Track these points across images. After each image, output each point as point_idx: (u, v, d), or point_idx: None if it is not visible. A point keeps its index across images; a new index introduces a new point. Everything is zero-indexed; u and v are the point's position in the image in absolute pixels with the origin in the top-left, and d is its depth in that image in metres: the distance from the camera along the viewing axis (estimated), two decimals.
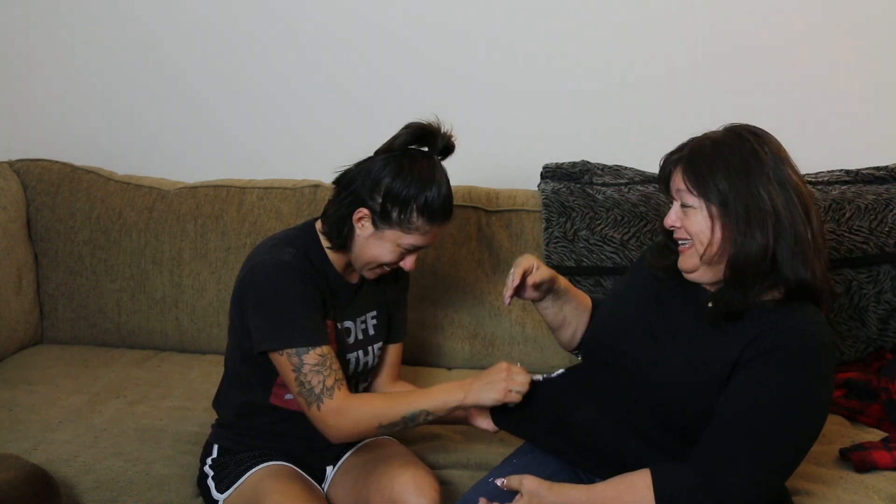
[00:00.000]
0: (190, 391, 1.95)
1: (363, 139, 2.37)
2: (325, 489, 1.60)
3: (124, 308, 2.19)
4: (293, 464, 1.57)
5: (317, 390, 1.40)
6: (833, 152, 2.24)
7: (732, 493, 1.25)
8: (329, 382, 1.40)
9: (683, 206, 1.35)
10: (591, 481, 1.40)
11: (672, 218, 1.37)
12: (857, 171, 2.17)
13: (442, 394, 1.42)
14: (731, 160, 1.30)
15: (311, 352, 1.40)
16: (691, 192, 1.33)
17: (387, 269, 1.53)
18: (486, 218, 2.18)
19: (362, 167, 1.50)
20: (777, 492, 1.40)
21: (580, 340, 1.57)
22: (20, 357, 2.12)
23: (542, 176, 2.28)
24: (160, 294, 2.18)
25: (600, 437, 1.40)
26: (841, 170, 2.19)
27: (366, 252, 1.49)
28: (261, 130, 2.41)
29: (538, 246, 2.14)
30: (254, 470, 1.52)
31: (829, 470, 1.65)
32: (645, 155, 2.33)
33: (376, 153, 1.51)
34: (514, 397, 1.39)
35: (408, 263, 1.52)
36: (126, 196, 2.23)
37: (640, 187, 2.18)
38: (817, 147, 2.26)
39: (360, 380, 1.63)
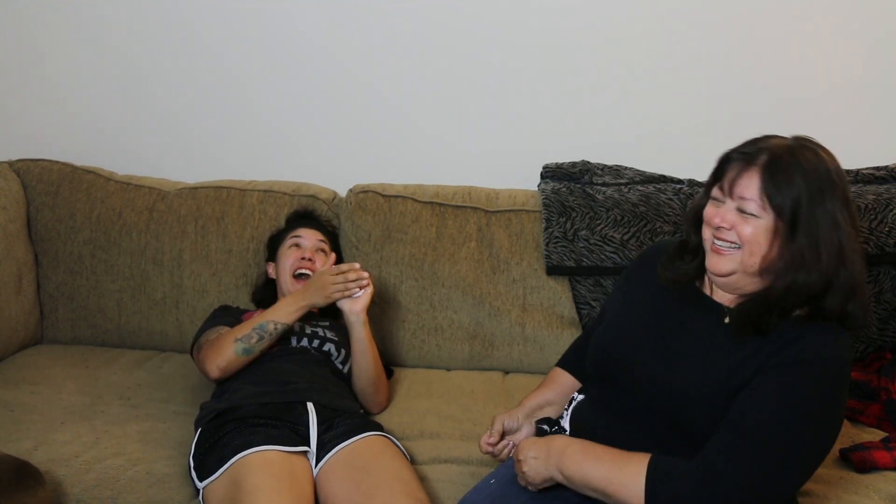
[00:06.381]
0: (193, 393, 1.94)
1: (362, 139, 2.40)
2: (316, 471, 1.60)
3: (125, 309, 2.19)
4: (274, 440, 1.57)
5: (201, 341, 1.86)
6: (833, 152, 2.24)
7: (727, 487, 1.19)
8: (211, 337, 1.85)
9: (742, 211, 1.26)
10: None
11: (728, 217, 1.27)
12: (857, 171, 2.17)
13: (282, 305, 1.81)
14: (811, 177, 1.23)
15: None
16: (764, 203, 1.24)
17: (300, 273, 1.96)
18: (486, 218, 2.18)
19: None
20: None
21: (588, 359, 1.52)
22: (20, 357, 2.12)
23: (542, 176, 2.28)
24: (160, 295, 2.18)
25: (616, 446, 1.32)
26: None
27: (282, 271, 1.99)
28: (259, 131, 2.40)
29: (538, 246, 2.14)
30: (232, 461, 1.52)
31: (829, 470, 1.64)
32: (645, 155, 2.35)
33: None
34: (339, 296, 1.78)
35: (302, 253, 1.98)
36: (126, 196, 2.23)
37: (640, 187, 2.17)
38: None
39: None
